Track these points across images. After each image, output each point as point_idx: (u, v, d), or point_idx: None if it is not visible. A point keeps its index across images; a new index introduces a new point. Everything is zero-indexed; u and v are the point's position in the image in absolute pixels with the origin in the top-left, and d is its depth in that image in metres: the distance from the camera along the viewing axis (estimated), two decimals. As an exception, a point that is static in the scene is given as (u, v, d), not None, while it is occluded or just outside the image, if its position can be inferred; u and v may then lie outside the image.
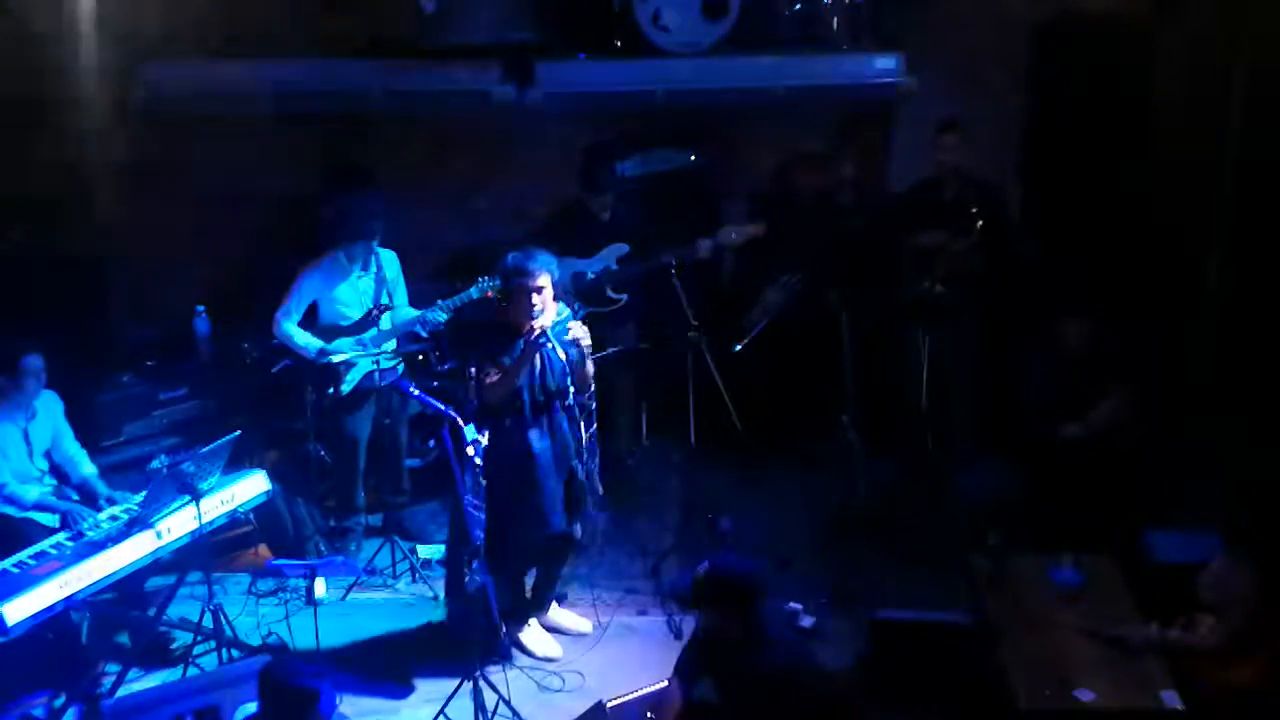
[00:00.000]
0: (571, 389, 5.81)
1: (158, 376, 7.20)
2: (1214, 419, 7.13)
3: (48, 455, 6.19)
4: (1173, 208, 7.57)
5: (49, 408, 6.15)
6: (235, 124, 7.74)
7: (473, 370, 5.72)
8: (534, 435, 5.76)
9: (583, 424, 5.91)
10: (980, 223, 6.76)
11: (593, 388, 5.95)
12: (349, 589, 6.66)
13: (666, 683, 5.08)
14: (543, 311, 5.66)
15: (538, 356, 5.71)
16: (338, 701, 4.83)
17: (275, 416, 7.30)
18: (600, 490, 6.02)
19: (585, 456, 5.95)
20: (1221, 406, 7.21)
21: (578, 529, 5.98)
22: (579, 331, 5.81)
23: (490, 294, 6.44)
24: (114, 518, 5.93)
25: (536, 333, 5.60)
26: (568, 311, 5.94)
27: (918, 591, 6.25)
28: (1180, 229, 7.58)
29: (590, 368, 5.90)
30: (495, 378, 5.69)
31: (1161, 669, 5.12)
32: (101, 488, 6.14)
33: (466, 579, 5.58)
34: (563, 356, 5.75)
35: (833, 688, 5.19)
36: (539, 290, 5.63)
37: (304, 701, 4.38)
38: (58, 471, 6.23)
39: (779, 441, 7.51)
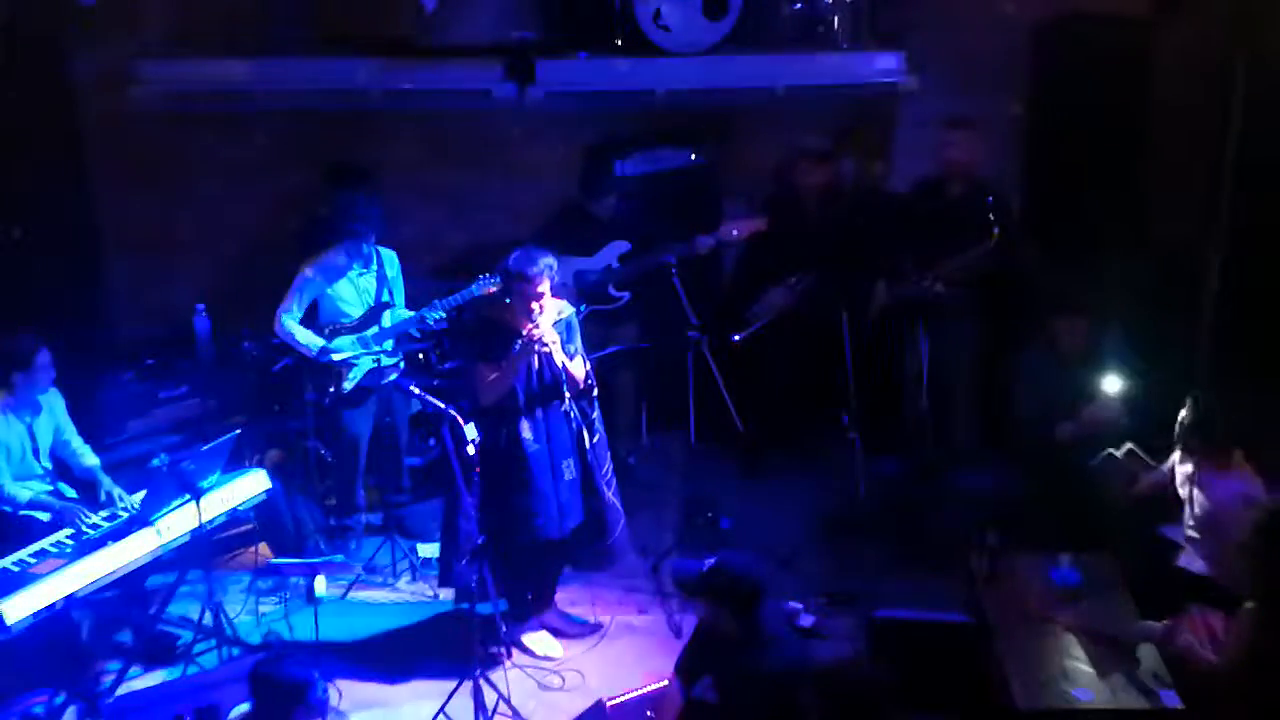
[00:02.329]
0: (567, 391, 5.80)
1: (158, 375, 7.21)
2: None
3: (51, 453, 6.19)
4: (1173, 208, 7.56)
5: (52, 404, 6.16)
6: (235, 124, 7.75)
7: (469, 367, 5.71)
8: (527, 436, 5.75)
9: (586, 431, 5.89)
10: (996, 231, 6.73)
11: (594, 392, 5.94)
12: (349, 587, 6.66)
13: (666, 682, 5.10)
14: (542, 314, 5.65)
15: (534, 357, 5.70)
16: (330, 693, 4.84)
17: (275, 415, 7.31)
18: (606, 494, 6.01)
19: (597, 466, 5.93)
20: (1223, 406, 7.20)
21: (565, 530, 5.91)
22: (550, 335, 5.72)
23: (492, 290, 6.44)
24: (112, 517, 5.93)
25: (535, 335, 5.59)
26: (571, 310, 5.94)
27: (917, 591, 6.25)
28: (1181, 229, 7.57)
29: (580, 368, 5.89)
30: (491, 377, 5.68)
31: (1161, 669, 5.12)
32: (105, 481, 6.14)
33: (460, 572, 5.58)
34: (559, 359, 5.74)
35: (831, 688, 5.20)
36: (539, 295, 5.63)
37: (295, 692, 4.39)
38: (61, 466, 6.24)
39: (779, 440, 7.52)
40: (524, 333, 5.60)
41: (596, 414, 5.96)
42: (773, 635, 4.88)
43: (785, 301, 7.06)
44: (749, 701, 4.76)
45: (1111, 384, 6.24)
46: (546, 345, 5.63)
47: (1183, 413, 5.68)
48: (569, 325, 5.86)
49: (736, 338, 6.86)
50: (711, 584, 4.84)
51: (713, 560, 4.89)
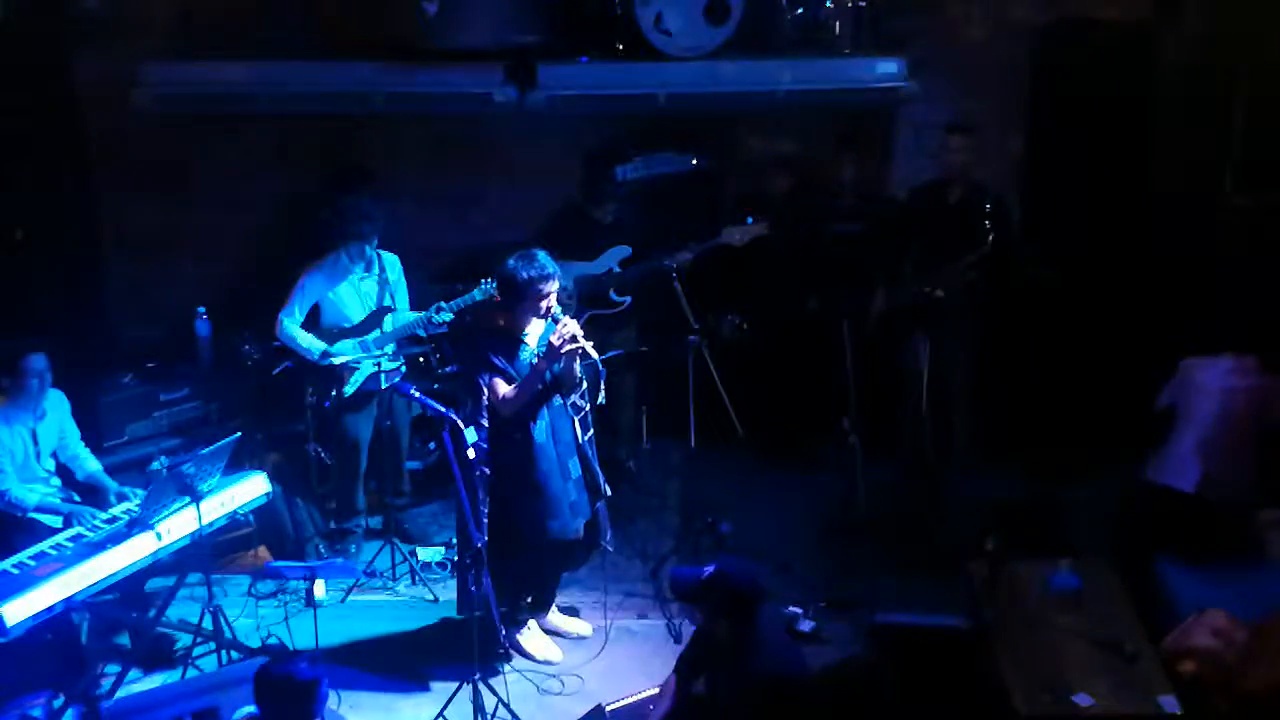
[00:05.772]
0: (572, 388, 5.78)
1: (159, 378, 7.21)
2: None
3: (54, 455, 6.20)
4: (1173, 210, 7.57)
5: (56, 407, 6.16)
6: (237, 127, 7.76)
7: (483, 382, 5.64)
8: (537, 437, 5.72)
9: (579, 425, 5.89)
10: (993, 236, 6.74)
11: (583, 386, 5.92)
12: (349, 591, 6.66)
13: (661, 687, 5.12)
14: (559, 316, 5.62)
15: (540, 359, 5.67)
16: (329, 695, 4.84)
17: (276, 418, 7.31)
18: (608, 491, 6.00)
19: (594, 461, 5.92)
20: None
21: (579, 529, 5.91)
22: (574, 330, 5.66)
23: (496, 296, 6.42)
24: (115, 518, 5.94)
25: (568, 339, 5.53)
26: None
27: (916, 595, 6.25)
28: (1181, 231, 7.58)
29: (577, 369, 5.87)
30: (510, 391, 5.62)
31: (1160, 673, 5.12)
32: (110, 483, 6.15)
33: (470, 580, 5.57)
34: (591, 352, 5.66)
35: (822, 695, 5.21)
36: (551, 294, 5.61)
37: (300, 694, 4.39)
38: (63, 470, 6.24)
39: (779, 445, 7.52)
40: (556, 339, 5.55)
41: (588, 407, 5.93)
42: (768, 640, 4.88)
43: (723, 334, 7.08)
44: (734, 704, 4.77)
45: None
46: (578, 343, 5.57)
47: None
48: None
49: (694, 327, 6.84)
50: (710, 593, 4.83)
51: (711, 568, 4.87)
